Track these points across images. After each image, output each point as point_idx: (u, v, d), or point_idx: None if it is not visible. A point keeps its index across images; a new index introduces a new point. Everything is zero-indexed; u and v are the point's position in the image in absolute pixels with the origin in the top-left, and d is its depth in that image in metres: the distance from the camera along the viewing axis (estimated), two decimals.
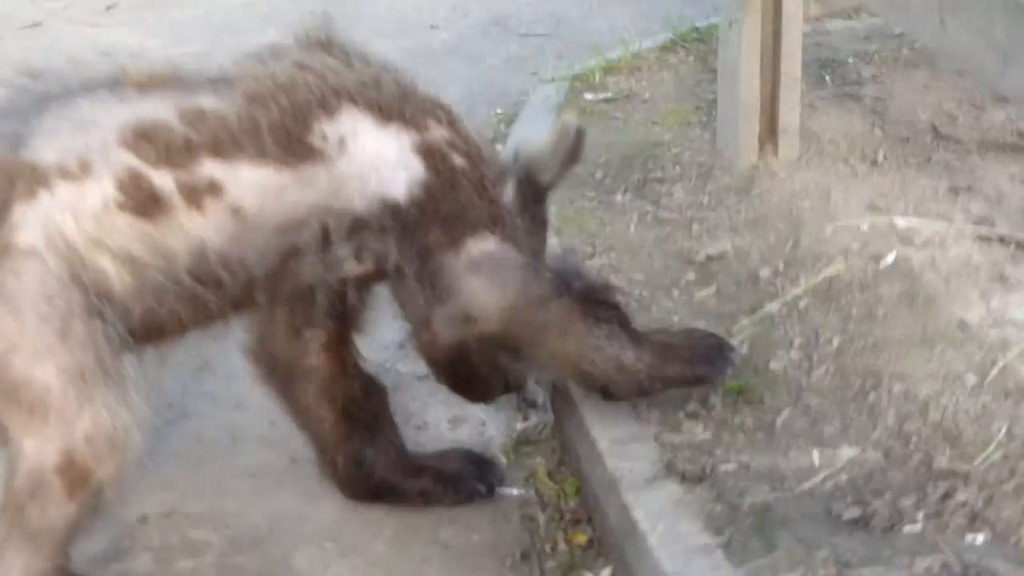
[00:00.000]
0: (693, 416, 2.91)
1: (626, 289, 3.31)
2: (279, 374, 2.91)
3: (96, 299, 2.51)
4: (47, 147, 2.50)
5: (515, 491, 3.01)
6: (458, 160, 2.66)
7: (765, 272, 3.41)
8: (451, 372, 2.83)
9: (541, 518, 2.93)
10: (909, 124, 4.05)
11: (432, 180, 2.63)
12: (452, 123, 2.68)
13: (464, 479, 2.97)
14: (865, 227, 3.52)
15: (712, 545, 2.54)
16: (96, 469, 2.53)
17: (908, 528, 2.54)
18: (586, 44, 5.07)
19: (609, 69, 4.66)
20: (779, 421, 2.88)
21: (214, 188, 2.53)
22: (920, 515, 2.56)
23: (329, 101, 2.59)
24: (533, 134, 3.85)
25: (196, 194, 2.52)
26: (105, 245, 2.50)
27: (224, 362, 3.32)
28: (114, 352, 2.53)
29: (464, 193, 2.66)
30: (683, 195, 3.82)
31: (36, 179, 2.48)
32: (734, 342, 3.03)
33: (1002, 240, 3.44)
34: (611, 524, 2.75)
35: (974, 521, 2.55)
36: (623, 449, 2.82)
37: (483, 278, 2.67)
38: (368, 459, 2.94)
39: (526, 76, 5.03)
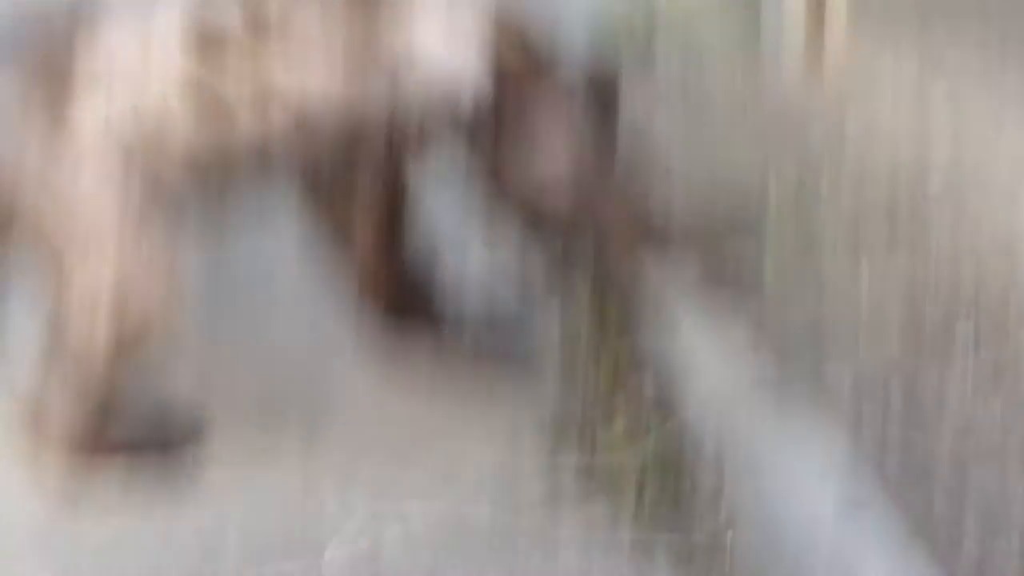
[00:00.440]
0: None
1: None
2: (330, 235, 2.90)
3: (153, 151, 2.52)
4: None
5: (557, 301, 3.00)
6: (524, 64, 2.67)
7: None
8: None
9: (584, 328, 2.93)
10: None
11: (499, 85, 2.64)
12: (521, 31, 2.69)
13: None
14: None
15: (755, 347, 2.57)
16: (144, 310, 2.54)
17: None
18: None
19: None
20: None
21: (272, 94, 2.53)
22: None
23: (397, 11, 2.58)
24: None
25: (253, 98, 2.53)
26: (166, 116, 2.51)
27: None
28: (171, 203, 2.54)
29: (529, 97, 2.67)
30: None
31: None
32: None
33: None
34: (656, 332, 2.78)
35: None
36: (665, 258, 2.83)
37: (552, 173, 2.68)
38: (407, 276, 2.93)
39: None
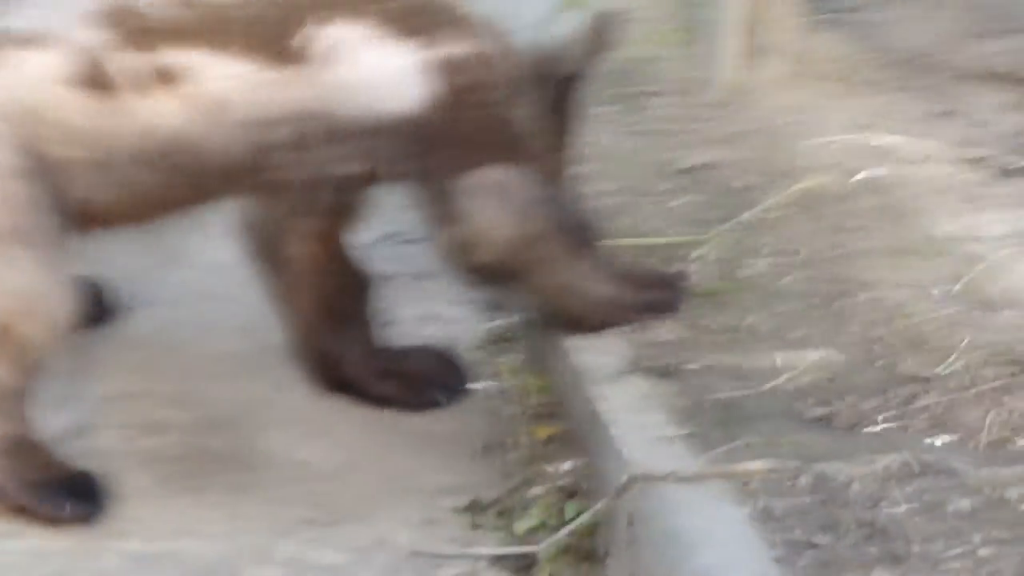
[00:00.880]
0: None
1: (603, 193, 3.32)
2: (263, 256, 2.94)
3: (39, 166, 2.53)
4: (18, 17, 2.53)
5: (481, 385, 3.04)
6: (474, 79, 2.64)
7: (740, 184, 3.43)
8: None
9: (506, 412, 2.95)
10: (901, 51, 4.06)
11: (443, 99, 2.62)
12: (473, 38, 2.65)
13: (426, 387, 3.00)
14: (844, 144, 3.54)
15: (675, 437, 2.56)
16: (22, 327, 2.55)
17: (870, 428, 2.57)
18: None
19: None
20: (745, 324, 2.91)
21: (171, 76, 2.53)
22: (882, 417, 2.59)
23: (321, 9, 2.58)
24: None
25: (152, 79, 2.54)
26: (53, 117, 2.52)
27: (197, 254, 3.33)
28: (53, 222, 2.55)
29: (478, 116, 2.65)
30: (664, 109, 3.82)
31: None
32: (704, 250, 3.05)
33: (979, 161, 3.45)
34: (576, 418, 2.78)
35: (935, 425, 2.58)
36: (590, 345, 2.85)
37: (490, 209, 2.66)
38: (336, 353, 2.97)
39: None
